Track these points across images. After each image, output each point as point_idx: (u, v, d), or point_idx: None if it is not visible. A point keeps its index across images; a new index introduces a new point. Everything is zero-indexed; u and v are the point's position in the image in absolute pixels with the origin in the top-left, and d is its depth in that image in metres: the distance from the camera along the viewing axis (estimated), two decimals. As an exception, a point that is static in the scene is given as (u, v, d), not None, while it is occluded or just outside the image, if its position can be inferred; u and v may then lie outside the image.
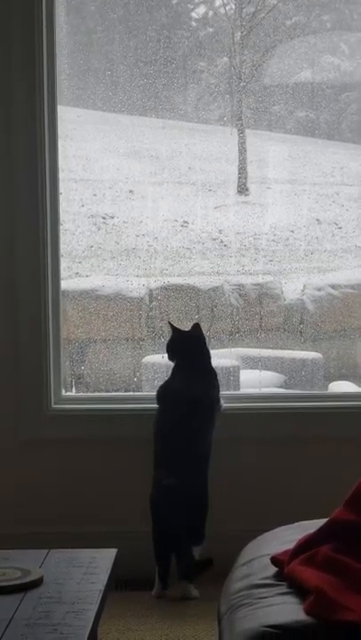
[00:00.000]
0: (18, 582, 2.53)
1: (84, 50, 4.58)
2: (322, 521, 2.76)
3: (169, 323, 4.28)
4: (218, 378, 4.21)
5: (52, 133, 4.27)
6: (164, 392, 4.18)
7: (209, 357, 4.20)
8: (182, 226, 4.71)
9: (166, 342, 4.25)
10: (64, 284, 4.46)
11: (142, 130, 4.72)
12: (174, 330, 4.23)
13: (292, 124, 4.74)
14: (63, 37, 4.45)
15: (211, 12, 4.78)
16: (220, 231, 4.73)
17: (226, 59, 4.73)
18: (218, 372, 4.26)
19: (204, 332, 4.22)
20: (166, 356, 4.24)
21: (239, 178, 4.77)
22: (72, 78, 4.51)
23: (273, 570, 2.67)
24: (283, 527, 3.04)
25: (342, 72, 4.79)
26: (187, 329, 4.23)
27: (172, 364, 4.22)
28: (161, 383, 4.27)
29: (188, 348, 4.19)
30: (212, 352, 4.30)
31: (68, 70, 4.49)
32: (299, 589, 2.50)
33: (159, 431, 4.11)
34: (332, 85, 4.75)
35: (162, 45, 4.54)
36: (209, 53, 4.74)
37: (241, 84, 4.69)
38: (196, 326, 4.21)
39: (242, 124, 4.72)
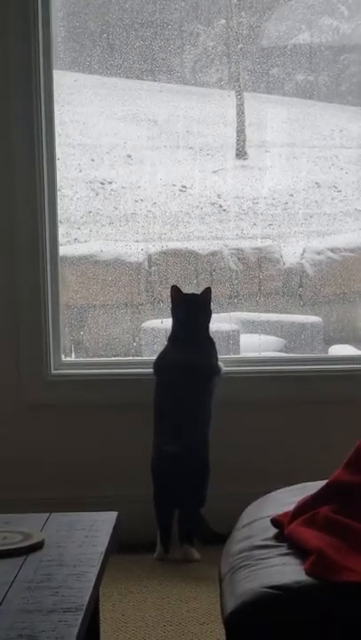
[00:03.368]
0: (19, 546, 2.53)
1: (80, 12, 4.53)
2: (322, 482, 2.77)
3: (173, 287, 4.21)
4: (215, 346, 4.19)
5: (48, 98, 4.25)
6: (162, 363, 4.17)
7: (207, 324, 4.17)
8: (181, 190, 4.69)
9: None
10: (62, 250, 4.44)
11: (139, 93, 4.69)
12: (177, 292, 4.18)
13: (291, 86, 4.71)
14: (59, 0, 4.41)
15: (207, -26, 4.74)
16: (218, 195, 4.71)
17: (223, 21, 4.69)
18: (217, 335, 4.24)
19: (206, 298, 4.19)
20: (170, 319, 4.22)
21: (237, 141, 4.74)
22: (68, 42, 4.48)
23: (273, 531, 2.67)
24: (283, 489, 3.05)
25: (341, 34, 4.75)
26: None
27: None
28: (159, 351, 4.25)
29: (187, 311, 4.16)
30: (212, 316, 4.28)
31: (64, 33, 4.45)
32: (299, 550, 2.51)
33: (159, 398, 4.10)
34: (330, 47, 4.71)
35: (158, 8, 4.49)
36: (206, 15, 4.69)
37: (238, 47, 4.65)
38: (207, 291, 4.18)
39: (240, 87, 4.69)
